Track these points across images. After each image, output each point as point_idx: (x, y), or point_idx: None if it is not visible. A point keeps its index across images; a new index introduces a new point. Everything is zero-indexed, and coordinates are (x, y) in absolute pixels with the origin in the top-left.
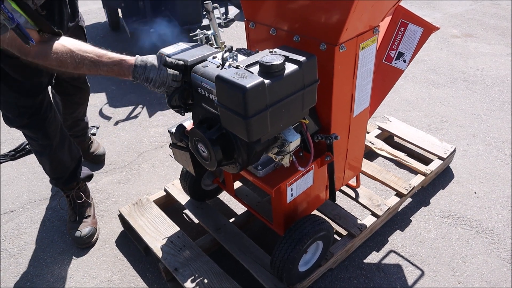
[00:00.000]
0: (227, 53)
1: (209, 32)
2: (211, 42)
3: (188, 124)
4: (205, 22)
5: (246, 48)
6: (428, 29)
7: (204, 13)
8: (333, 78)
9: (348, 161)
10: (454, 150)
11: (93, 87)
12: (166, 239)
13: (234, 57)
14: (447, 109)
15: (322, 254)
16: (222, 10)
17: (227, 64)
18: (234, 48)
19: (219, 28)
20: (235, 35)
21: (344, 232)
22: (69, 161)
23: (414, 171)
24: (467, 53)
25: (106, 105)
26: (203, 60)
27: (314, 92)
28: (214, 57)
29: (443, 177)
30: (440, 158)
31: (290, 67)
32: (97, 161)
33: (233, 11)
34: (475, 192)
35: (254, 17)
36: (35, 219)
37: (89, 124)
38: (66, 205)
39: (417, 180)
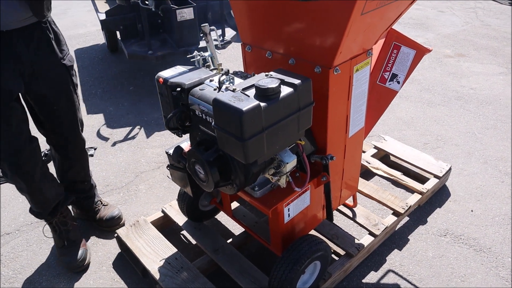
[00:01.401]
0: (224, 76)
1: (206, 54)
2: (208, 63)
3: (186, 145)
4: (202, 44)
5: (243, 70)
6: (421, 51)
7: (201, 35)
8: (328, 100)
9: (345, 180)
10: (450, 169)
11: (90, 109)
12: (164, 260)
13: (231, 80)
14: (442, 127)
15: (320, 274)
16: (219, 32)
17: (223, 87)
18: (231, 71)
19: (216, 50)
20: (232, 56)
21: (341, 252)
22: (52, 198)
23: (411, 190)
24: (460, 73)
25: (103, 126)
26: (200, 83)
27: (310, 114)
28: (211, 80)
29: (440, 195)
30: (436, 176)
31: (285, 90)
32: (113, 226)
33: (229, 33)
34: (472, 210)
35: (251, 40)
36: (31, 242)
37: (95, 186)
38: (51, 233)
39: (413, 199)
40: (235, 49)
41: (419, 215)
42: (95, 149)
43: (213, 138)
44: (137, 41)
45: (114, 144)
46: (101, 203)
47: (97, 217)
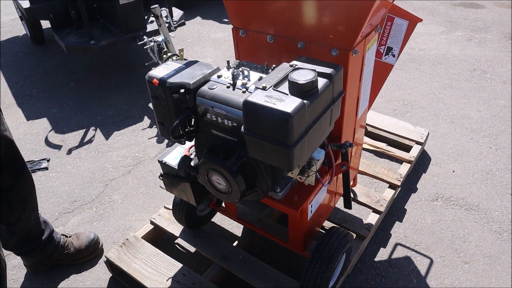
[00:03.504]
0: (235, 71)
1: (160, 39)
2: (165, 50)
3: (180, 150)
4: (150, 27)
5: (235, 59)
6: (413, 21)
7: (149, 18)
8: (346, 84)
9: (351, 164)
10: (428, 133)
11: (29, 113)
12: (171, 280)
13: (244, 74)
14: (405, 91)
15: (344, 265)
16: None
17: (238, 83)
18: (232, 62)
19: (169, 33)
20: (180, 37)
21: (353, 235)
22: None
23: (394, 159)
24: None
25: (51, 132)
26: (206, 80)
27: (340, 104)
28: (219, 76)
29: (422, 160)
30: (418, 143)
31: (321, 82)
32: (96, 250)
33: (177, 12)
34: (453, 171)
35: (245, 23)
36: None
37: (48, 224)
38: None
39: (404, 168)
40: (183, 30)
41: (408, 183)
42: (48, 160)
43: (229, 143)
44: (72, 30)
45: (69, 151)
46: (65, 236)
47: (71, 252)
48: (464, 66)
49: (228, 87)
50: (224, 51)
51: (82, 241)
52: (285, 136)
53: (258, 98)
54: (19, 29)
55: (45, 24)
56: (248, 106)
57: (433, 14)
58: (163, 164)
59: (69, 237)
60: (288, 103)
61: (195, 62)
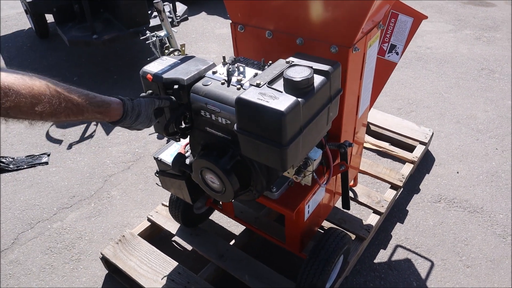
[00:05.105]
0: (230, 67)
1: (162, 34)
2: (167, 45)
3: (177, 147)
4: (153, 22)
5: (234, 55)
6: (418, 18)
7: (152, 12)
8: (345, 82)
9: (351, 164)
10: (433, 133)
11: None
12: (166, 278)
13: (239, 70)
14: (411, 90)
15: (342, 266)
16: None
17: (233, 80)
18: (228, 58)
19: (172, 28)
20: (184, 33)
21: (352, 236)
22: None
23: (397, 159)
24: None
25: (52, 127)
26: (201, 76)
27: (338, 103)
28: (214, 72)
29: (425, 160)
30: (422, 143)
31: (317, 80)
32: None
33: (180, 7)
34: (458, 172)
35: (244, 19)
36: None
37: None
38: None
39: (407, 169)
40: (187, 25)
41: (411, 184)
42: (48, 155)
43: (223, 141)
44: (75, 24)
45: (70, 146)
46: None
47: None
48: (471, 65)
49: (222, 83)
50: (228, 47)
51: None
52: (278, 135)
53: (251, 95)
54: (24, 23)
55: (50, 18)
56: (241, 103)
57: (442, 12)
58: (159, 161)
59: None
60: (282, 101)
61: (191, 57)
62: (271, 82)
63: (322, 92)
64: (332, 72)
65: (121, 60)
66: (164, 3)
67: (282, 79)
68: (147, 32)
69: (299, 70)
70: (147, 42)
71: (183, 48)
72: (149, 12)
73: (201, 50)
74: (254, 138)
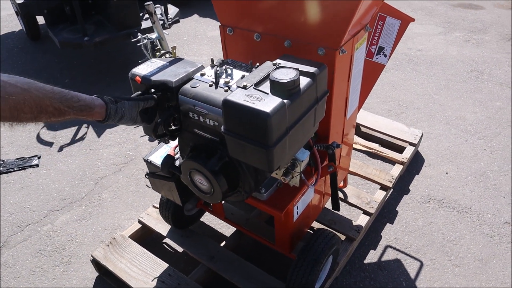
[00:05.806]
0: (218, 69)
1: (154, 36)
2: (158, 47)
3: (167, 149)
4: (144, 24)
5: (223, 58)
6: (405, 21)
7: (143, 15)
8: (333, 84)
9: (340, 165)
10: (422, 135)
11: None
12: (156, 280)
13: (227, 72)
14: (401, 92)
15: (331, 267)
16: (160, 10)
17: (221, 82)
18: (215, 61)
19: (163, 31)
20: (176, 35)
21: (342, 237)
22: None
23: (387, 160)
24: (405, 35)
25: (43, 129)
26: (189, 78)
27: (324, 104)
28: (202, 74)
29: (415, 162)
30: (411, 144)
31: (303, 81)
32: None
33: (172, 10)
34: (447, 173)
35: (233, 21)
36: None
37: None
38: None
39: (396, 170)
40: (179, 27)
41: (401, 185)
42: (39, 157)
43: (211, 142)
44: (66, 26)
45: (61, 149)
46: None
47: None
48: (461, 67)
49: (210, 85)
50: (220, 49)
51: None
52: (264, 136)
53: (238, 97)
54: (15, 24)
55: (42, 20)
56: (228, 105)
57: (432, 15)
58: (149, 163)
59: None
60: (268, 103)
61: (180, 59)
62: (257, 84)
63: (308, 94)
64: (318, 74)
65: (113, 62)
66: (156, 6)
67: (269, 81)
68: (139, 34)
69: (285, 72)
70: (138, 44)
71: (175, 51)
72: (141, 14)
73: (193, 52)
74: (241, 139)
